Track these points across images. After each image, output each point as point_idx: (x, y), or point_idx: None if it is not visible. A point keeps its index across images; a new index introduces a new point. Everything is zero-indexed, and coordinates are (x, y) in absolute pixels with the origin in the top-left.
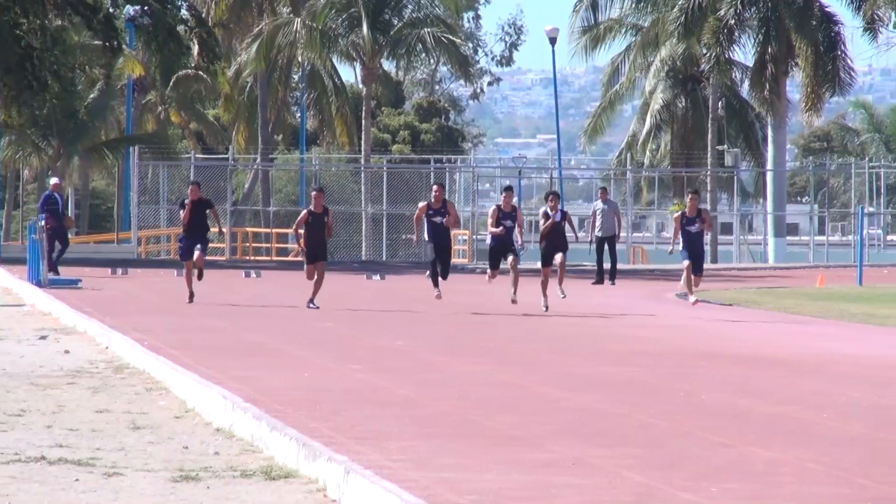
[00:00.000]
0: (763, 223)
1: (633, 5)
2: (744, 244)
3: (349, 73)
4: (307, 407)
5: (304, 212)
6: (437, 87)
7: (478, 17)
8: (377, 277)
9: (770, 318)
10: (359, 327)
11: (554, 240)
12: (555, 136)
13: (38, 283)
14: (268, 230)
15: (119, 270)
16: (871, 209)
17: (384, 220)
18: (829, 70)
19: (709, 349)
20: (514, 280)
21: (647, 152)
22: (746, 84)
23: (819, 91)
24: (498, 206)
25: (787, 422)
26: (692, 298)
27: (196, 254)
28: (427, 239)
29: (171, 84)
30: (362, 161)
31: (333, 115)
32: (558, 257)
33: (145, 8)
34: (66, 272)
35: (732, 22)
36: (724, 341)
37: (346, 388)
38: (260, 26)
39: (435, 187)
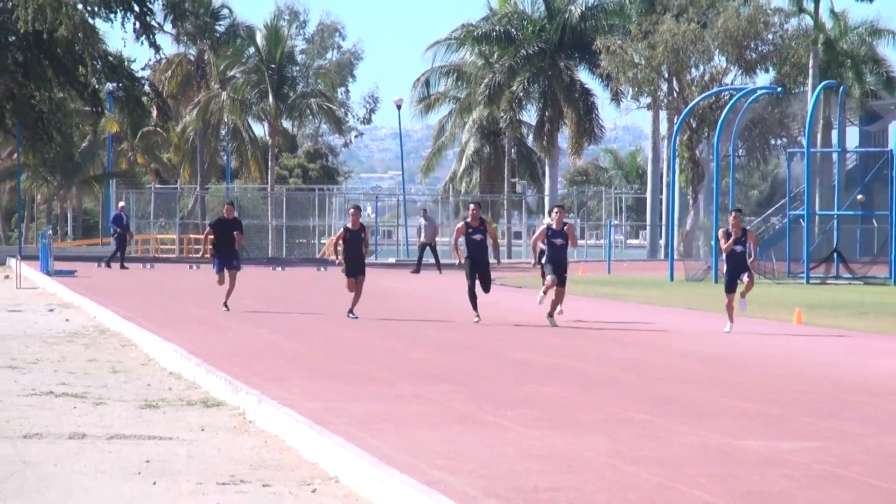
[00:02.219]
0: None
1: (454, 83)
2: (528, 246)
3: (260, 129)
4: (231, 359)
5: (342, 230)
6: (319, 139)
7: (347, 91)
8: (279, 269)
9: (537, 294)
10: (268, 303)
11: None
12: (400, 172)
13: (47, 273)
14: (203, 236)
15: (102, 264)
16: (616, 222)
17: (284, 230)
18: (587, 127)
19: (506, 319)
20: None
21: (463, 183)
22: (531, 136)
23: (580, 141)
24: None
25: (561, 369)
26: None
27: (227, 274)
28: (466, 255)
29: (137, 136)
30: (269, 189)
31: (249, 157)
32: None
33: (119, 85)
34: (65, 265)
35: (521, 94)
36: (517, 313)
37: (259, 346)
38: (198, 97)
39: (472, 206)
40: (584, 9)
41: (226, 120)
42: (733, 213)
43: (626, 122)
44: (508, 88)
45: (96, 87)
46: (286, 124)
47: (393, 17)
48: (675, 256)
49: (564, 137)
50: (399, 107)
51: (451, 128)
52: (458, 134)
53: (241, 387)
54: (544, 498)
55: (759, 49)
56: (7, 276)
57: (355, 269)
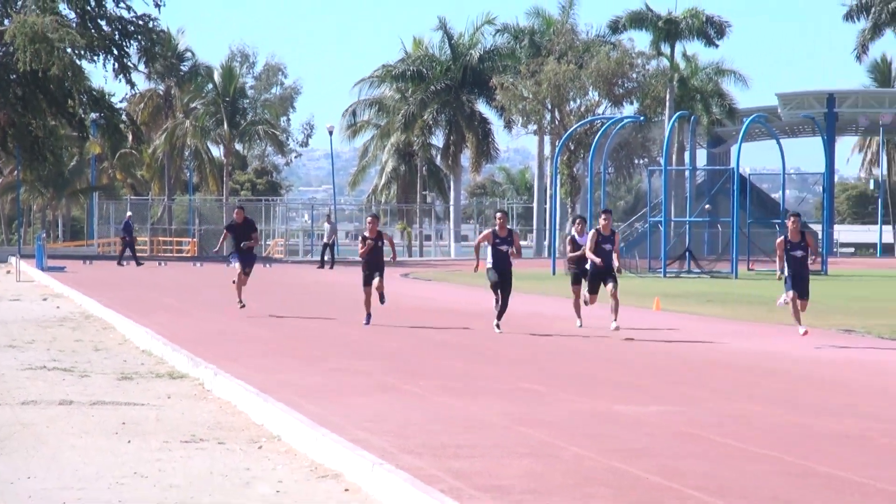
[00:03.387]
0: (449, 235)
1: (376, 113)
2: (438, 246)
3: (216, 151)
4: (194, 340)
5: (361, 237)
6: (265, 158)
7: (288, 119)
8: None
9: (446, 285)
10: (224, 294)
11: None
12: (332, 186)
13: (41, 269)
14: (170, 239)
15: (87, 262)
16: (508, 227)
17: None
18: (485, 149)
19: (422, 306)
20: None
21: (383, 195)
22: (439, 157)
23: (479, 161)
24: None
25: (468, 348)
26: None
27: (244, 273)
28: (490, 266)
29: (116, 157)
30: (224, 200)
31: (207, 174)
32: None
33: (101, 114)
34: (56, 263)
35: (431, 122)
36: (430, 301)
37: (218, 329)
38: (166, 125)
39: (499, 215)
40: (482, 52)
41: (188, 143)
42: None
43: (517, 144)
44: (420, 118)
45: (82, 116)
46: (238, 147)
47: (326, 58)
48: (557, 255)
49: (466, 158)
50: (331, 132)
51: (373, 150)
52: (379, 155)
53: (200, 362)
54: (449, 452)
55: (626, 85)
56: (8, 272)
57: (371, 276)
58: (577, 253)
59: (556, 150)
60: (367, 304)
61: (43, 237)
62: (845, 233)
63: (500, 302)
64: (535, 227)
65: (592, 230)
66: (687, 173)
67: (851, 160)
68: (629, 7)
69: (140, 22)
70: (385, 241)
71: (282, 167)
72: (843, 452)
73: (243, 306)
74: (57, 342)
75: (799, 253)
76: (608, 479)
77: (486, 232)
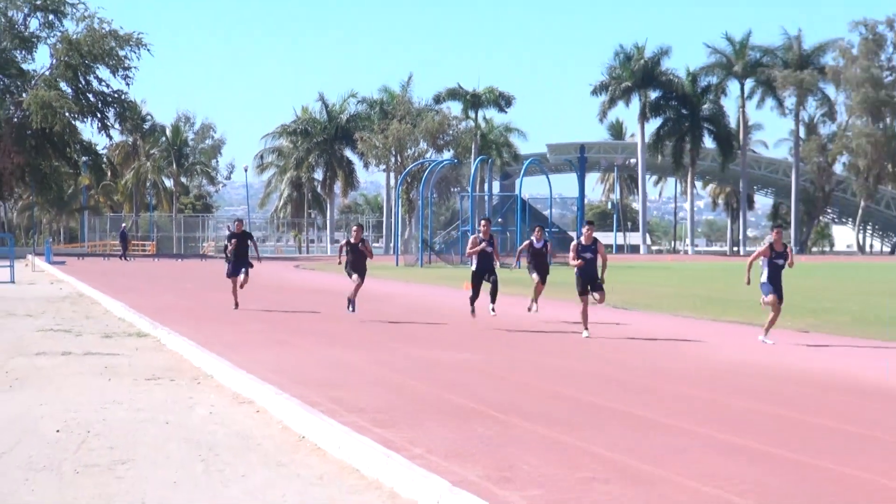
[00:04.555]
0: (326, 239)
1: (276, 156)
2: (318, 247)
3: (168, 182)
4: (154, 310)
5: (344, 241)
6: (202, 188)
7: (217, 160)
8: (180, 260)
9: (322, 273)
10: (174, 281)
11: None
12: (247, 206)
13: (49, 262)
14: (137, 242)
15: (80, 258)
16: (366, 234)
17: (182, 239)
18: (350, 181)
19: (312, 288)
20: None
21: (282, 213)
22: (319, 186)
23: (346, 189)
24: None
25: (340, 316)
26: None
27: (241, 277)
28: (475, 263)
29: (99, 186)
30: (173, 215)
31: (162, 198)
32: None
33: (89, 158)
34: (59, 258)
35: (313, 163)
36: (320, 284)
37: (169, 304)
38: (134, 164)
39: (483, 222)
40: (348, 116)
41: (149, 177)
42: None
43: (372, 178)
44: (306, 160)
45: (76, 159)
46: (183, 179)
47: (242, 119)
48: (399, 253)
49: (338, 187)
50: (245, 169)
51: (274, 181)
52: (279, 185)
53: (158, 325)
54: (327, 385)
55: (445, 139)
56: (26, 265)
57: (358, 271)
58: (577, 261)
59: (398, 182)
60: (353, 294)
61: (50, 241)
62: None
63: (478, 297)
64: (384, 233)
65: (574, 241)
66: (486, 198)
67: (596, 188)
68: (447, 85)
69: (116, 95)
70: (365, 246)
71: (213, 193)
72: (585, 384)
73: (237, 306)
74: (60, 312)
75: (780, 261)
76: (434, 402)
77: (473, 237)
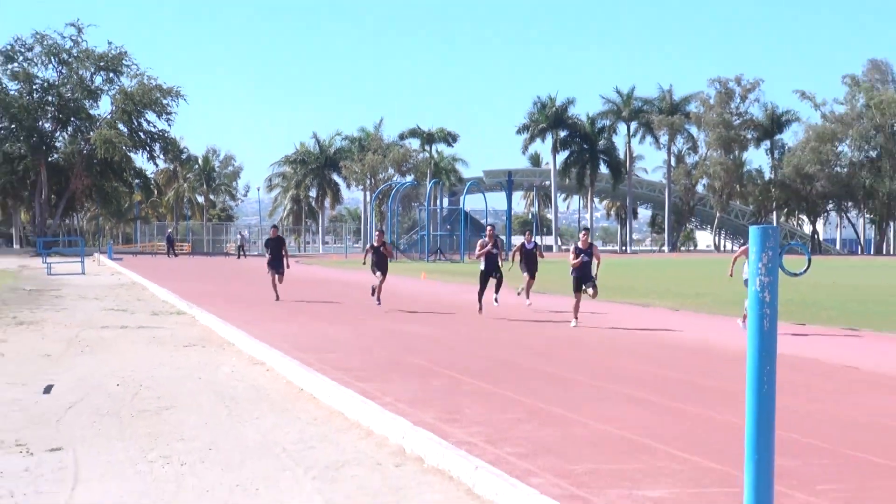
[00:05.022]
0: (319, 241)
1: (281, 179)
2: (313, 247)
3: (201, 198)
4: (190, 295)
5: (369, 245)
6: (225, 202)
7: (237, 182)
8: (209, 257)
9: (318, 267)
10: (212, 272)
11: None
12: (259, 217)
13: (111, 259)
14: (178, 244)
15: (134, 256)
16: (349, 237)
17: (211, 241)
18: (336, 198)
19: (306, 278)
20: (497, 286)
21: (286, 222)
22: (314, 202)
23: (333, 204)
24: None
25: (324, 298)
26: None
27: (277, 275)
28: (483, 264)
29: (148, 202)
30: (204, 223)
31: (195, 210)
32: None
33: (140, 181)
34: (118, 256)
35: (308, 185)
36: (311, 275)
37: (203, 291)
38: (174, 185)
39: (488, 228)
40: (335, 149)
41: (185, 195)
42: (583, 232)
43: (354, 195)
44: (304, 182)
45: (131, 181)
46: (211, 196)
47: (256, 151)
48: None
49: (328, 202)
50: (259, 189)
51: (280, 198)
52: (283, 200)
53: (193, 306)
54: (320, 351)
55: (407, 166)
56: (93, 261)
57: (381, 269)
58: (577, 261)
59: (373, 198)
60: (375, 292)
61: (111, 243)
62: (516, 241)
63: (483, 295)
64: (362, 237)
65: (573, 245)
66: (438, 211)
67: (520, 203)
68: (408, 126)
69: (160, 133)
70: (386, 248)
71: (233, 207)
72: (521, 353)
73: (278, 299)
74: (118, 296)
75: (586, 258)
76: (399, 363)
77: (481, 241)
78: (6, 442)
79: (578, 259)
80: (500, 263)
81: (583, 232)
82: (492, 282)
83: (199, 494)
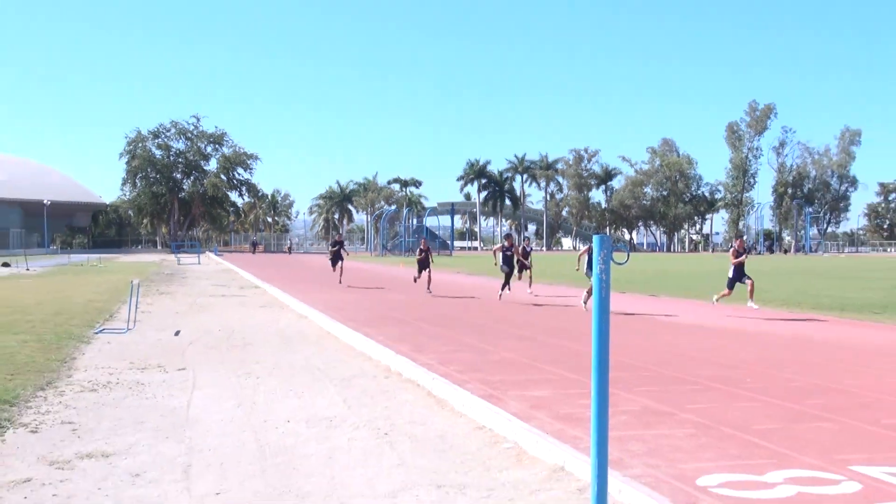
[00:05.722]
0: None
1: (317, 207)
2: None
3: (269, 219)
4: (264, 277)
5: (418, 251)
6: (284, 221)
7: (291, 209)
8: (274, 254)
9: (350, 262)
10: (276, 264)
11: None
12: (304, 230)
13: (216, 255)
14: (258, 247)
15: (230, 253)
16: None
17: (275, 244)
18: (350, 219)
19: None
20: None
21: (320, 234)
22: (337, 221)
23: (349, 223)
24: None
25: (361, 280)
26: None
27: (339, 266)
28: (503, 262)
29: (237, 221)
30: (271, 234)
31: (267, 226)
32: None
33: (233, 209)
34: (220, 254)
35: (336, 212)
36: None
37: (273, 275)
38: (253, 212)
39: (506, 237)
40: (349, 189)
41: (260, 217)
42: (506, 237)
43: (362, 217)
44: (330, 209)
45: (228, 209)
46: (276, 218)
47: (301, 190)
48: (372, 251)
49: (345, 221)
50: (304, 213)
51: (316, 217)
52: (319, 220)
53: (265, 283)
54: (339, 309)
55: (392, 199)
56: (206, 257)
57: (421, 268)
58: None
59: (371, 219)
60: (416, 279)
61: (216, 246)
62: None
63: (508, 284)
64: (364, 243)
65: (498, 244)
66: (411, 227)
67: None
68: (393, 175)
69: (245, 180)
70: (429, 253)
71: (288, 224)
72: (472, 312)
73: (340, 283)
74: (219, 278)
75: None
76: (387, 316)
77: (497, 245)
78: (151, 364)
79: (500, 253)
80: (517, 261)
81: (506, 237)
82: (515, 276)
83: (267, 393)
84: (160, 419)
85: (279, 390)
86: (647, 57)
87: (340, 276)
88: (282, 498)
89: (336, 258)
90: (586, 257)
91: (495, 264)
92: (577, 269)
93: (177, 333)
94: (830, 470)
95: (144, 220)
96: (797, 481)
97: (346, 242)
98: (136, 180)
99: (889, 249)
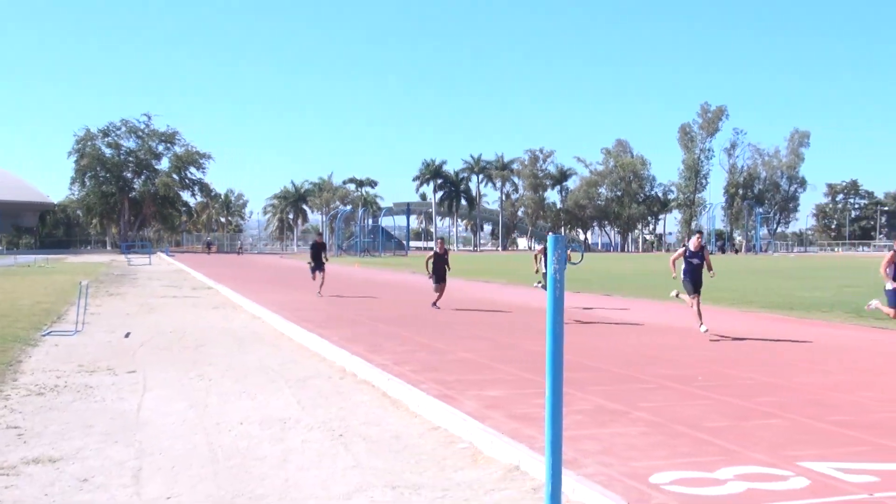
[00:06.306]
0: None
1: (271, 207)
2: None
3: (223, 219)
4: (216, 277)
5: (432, 253)
6: (237, 221)
7: (244, 209)
8: (227, 255)
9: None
10: (229, 265)
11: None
12: (257, 230)
13: (168, 255)
14: (206, 247)
15: (181, 254)
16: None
17: (229, 245)
18: (304, 219)
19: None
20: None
21: (273, 234)
22: (290, 222)
23: (303, 222)
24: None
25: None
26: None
27: (317, 273)
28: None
29: (190, 221)
30: (224, 234)
31: (220, 226)
32: None
33: (185, 209)
34: (171, 254)
35: (289, 212)
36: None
37: (226, 274)
38: (206, 212)
39: (696, 235)
40: (304, 189)
41: (213, 217)
42: (697, 236)
43: (316, 217)
44: (284, 209)
45: (180, 209)
46: (229, 218)
47: (254, 188)
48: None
49: (300, 221)
50: (258, 212)
51: (270, 217)
52: (273, 220)
53: (217, 284)
54: (294, 309)
55: (347, 200)
56: (156, 257)
57: (439, 278)
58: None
59: (327, 219)
60: (436, 302)
61: (168, 247)
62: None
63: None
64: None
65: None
66: (366, 227)
67: (416, 222)
68: (348, 175)
69: (198, 180)
70: (447, 256)
71: (241, 224)
72: (422, 312)
73: (321, 294)
74: (171, 279)
75: (696, 260)
76: (341, 316)
77: (681, 249)
78: (101, 367)
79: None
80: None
81: (435, 243)
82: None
83: (220, 395)
84: (109, 422)
85: (232, 392)
86: (602, 59)
87: (321, 285)
88: (234, 501)
89: (316, 265)
90: (542, 256)
91: (536, 271)
92: (537, 271)
93: (127, 335)
94: (780, 466)
95: (94, 221)
96: (747, 478)
97: (324, 245)
98: (86, 179)
99: (837, 249)
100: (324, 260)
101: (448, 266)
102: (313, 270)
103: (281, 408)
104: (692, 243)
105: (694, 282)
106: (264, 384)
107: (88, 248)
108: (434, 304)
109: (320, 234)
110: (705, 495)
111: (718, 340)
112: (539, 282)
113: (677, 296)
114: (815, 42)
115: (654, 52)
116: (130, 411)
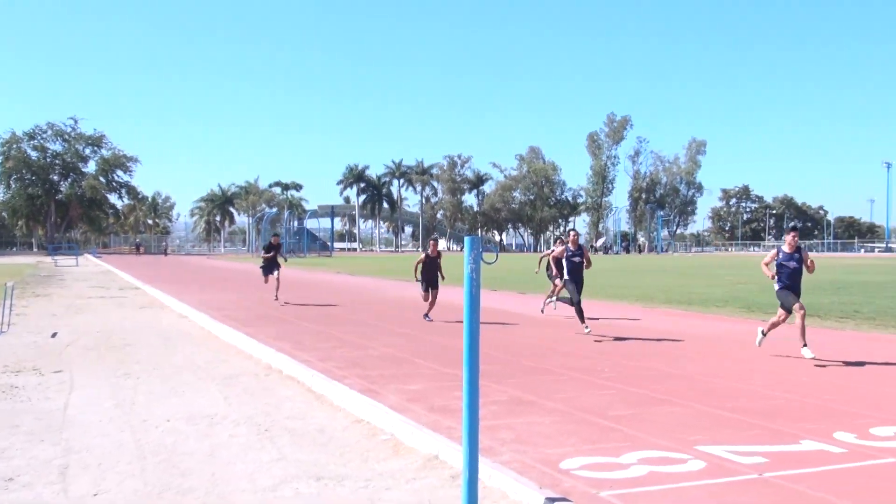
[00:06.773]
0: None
1: (198, 210)
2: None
3: (150, 221)
4: (144, 278)
5: (423, 255)
6: (165, 223)
7: (172, 211)
8: (154, 256)
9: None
10: (155, 266)
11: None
12: (185, 233)
13: (95, 257)
14: (134, 249)
15: (109, 255)
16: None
17: (156, 246)
18: (231, 221)
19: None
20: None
21: (201, 237)
22: (225, 224)
23: (230, 224)
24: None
25: (290, 287)
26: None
27: (271, 277)
28: (567, 276)
29: (117, 223)
30: (152, 236)
31: (147, 228)
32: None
33: (113, 211)
34: (99, 256)
35: (223, 213)
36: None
37: (154, 276)
38: (133, 214)
39: (573, 233)
40: (231, 192)
41: (141, 219)
42: (573, 233)
43: (241, 219)
44: (212, 212)
45: (107, 211)
46: (157, 220)
47: (183, 190)
48: (252, 252)
49: (227, 224)
50: (185, 215)
51: (198, 220)
52: (201, 222)
53: (145, 285)
54: (220, 308)
55: (273, 203)
56: (83, 259)
57: (430, 284)
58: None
59: (252, 221)
60: (427, 315)
61: (95, 248)
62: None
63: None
64: (246, 244)
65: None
66: (292, 229)
67: (339, 224)
68: (274, 178)
69: (125, 182)
70: (440, 259)
71: (169, 225)
72: (354, 312)
73: (277, 299)
74: (98, 280)
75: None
76: (264, 315)
77: (560, 248)
78: (27, 367)
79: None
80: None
81: (572, 233)
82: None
83: (147, 393)
84: (35, 422)
85: (159, 390)
86: (516, 69)
87: (277, 289)
88: (161, 496)
89: (270, 267)
90: (545, 261)
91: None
92: (537, 272)
93: (53, 335)
94: (678, 450)
95: (19, 222)
96: (649, 461)
97: (280, 246)
98: (11, 182)
99: (730, 249)
100: (280, 262)
101: (441, 273)
102: (266, 273)
103: (208, 404)
104: (571, 241)
105: (576, 281)
106: (191, 382)
107: (14, 249)
108: (425, 315)
109: (277, 235)
110: (611, 479)
111: (601, 341)
112: (550, 299)
113: (557, 299)
114: (711, 54)
115: (565, 65)
116: (57, 410)
